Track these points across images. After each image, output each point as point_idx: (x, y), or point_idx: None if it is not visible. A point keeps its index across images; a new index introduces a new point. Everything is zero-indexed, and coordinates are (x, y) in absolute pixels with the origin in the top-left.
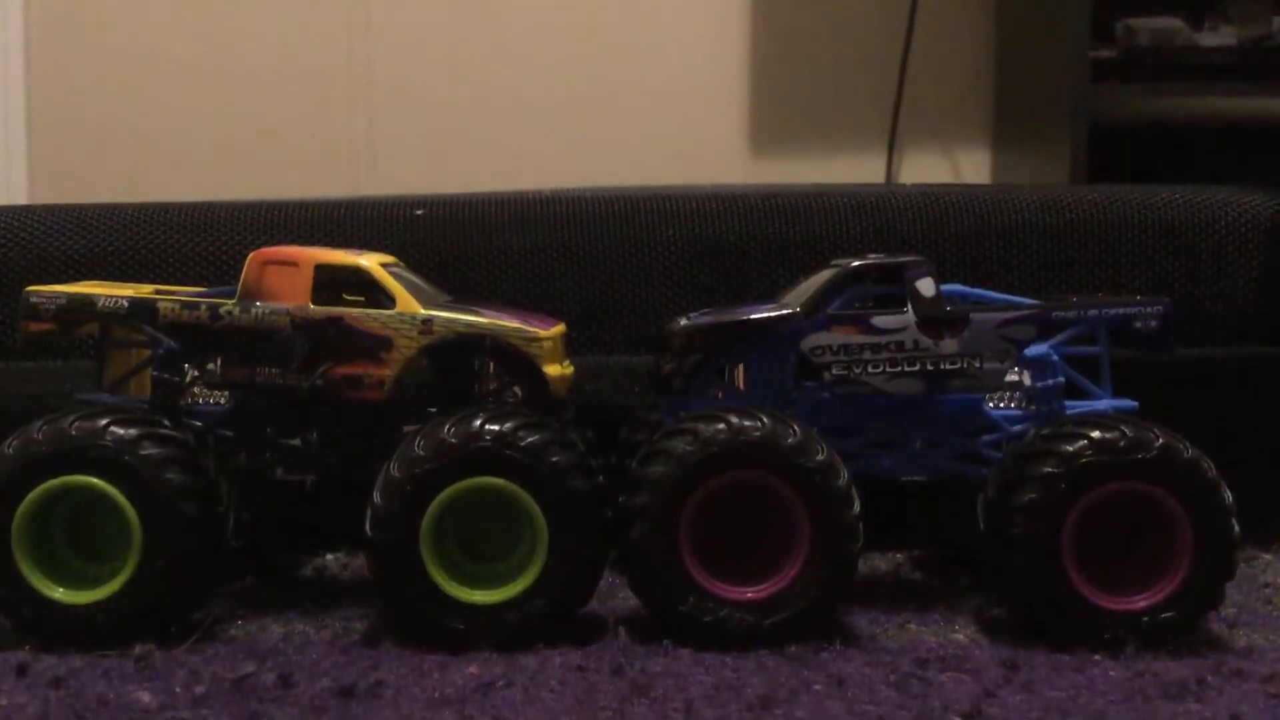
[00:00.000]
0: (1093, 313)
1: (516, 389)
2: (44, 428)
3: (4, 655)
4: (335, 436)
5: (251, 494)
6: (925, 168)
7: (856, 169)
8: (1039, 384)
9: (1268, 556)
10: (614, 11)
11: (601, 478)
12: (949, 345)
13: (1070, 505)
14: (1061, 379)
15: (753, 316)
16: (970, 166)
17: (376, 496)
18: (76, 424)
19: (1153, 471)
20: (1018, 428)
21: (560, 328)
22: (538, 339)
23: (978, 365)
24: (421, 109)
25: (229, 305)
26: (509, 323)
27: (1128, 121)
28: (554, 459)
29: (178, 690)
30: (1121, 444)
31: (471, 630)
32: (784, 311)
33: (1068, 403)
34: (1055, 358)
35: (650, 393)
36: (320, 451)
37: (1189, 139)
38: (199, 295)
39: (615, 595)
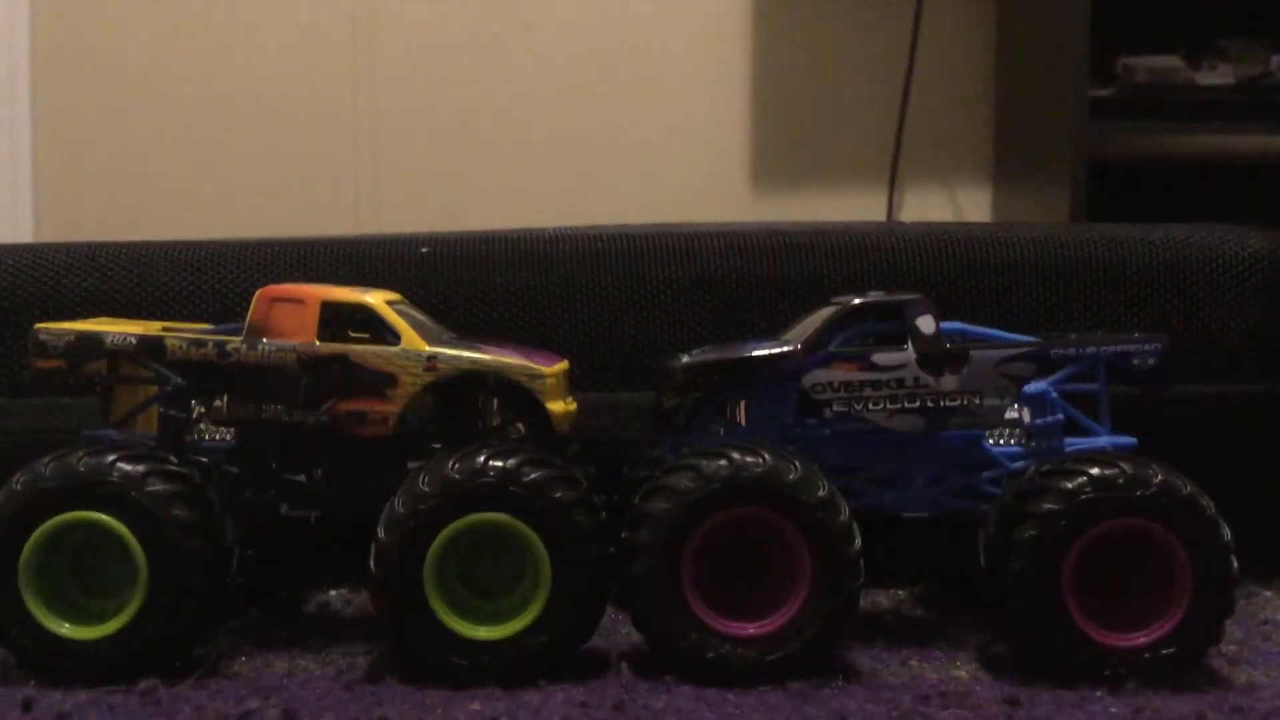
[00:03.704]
0: (1091, 350)
1: (520, 425)
2: (51, 464)
3: (10, 690)
4: (340, 473)
5: (256, 530)
6: (926, 205)
7: (857, 207)
8: (1038, 421)
9: (1268, 593)
10: (617, 51)
11: (604, 514)
12: (949, 382)
13: (1070, 542)
14: (1061, 416)
15: (754, 354)
16: (970, 204)
17: (380, 532)
18: (84, 460)
19: (1152, 508)
20: (1018, 464)
21: (563, 364)
22: (541, 375)
23: (977, 402)
24: (426, 147)
25: (236, 342)
26: (512, 359)
27: (1127, 159)
28: (557, 495)
29: None
30: (1121, 481)
31: (474, 666)
32: (785, 349)
33: (1067, 440)
34: (1054, 395)
35: (652, 429)
36: (325, 488)
37: (1187, 177)
38: (206, 332)
39: (618, 631)
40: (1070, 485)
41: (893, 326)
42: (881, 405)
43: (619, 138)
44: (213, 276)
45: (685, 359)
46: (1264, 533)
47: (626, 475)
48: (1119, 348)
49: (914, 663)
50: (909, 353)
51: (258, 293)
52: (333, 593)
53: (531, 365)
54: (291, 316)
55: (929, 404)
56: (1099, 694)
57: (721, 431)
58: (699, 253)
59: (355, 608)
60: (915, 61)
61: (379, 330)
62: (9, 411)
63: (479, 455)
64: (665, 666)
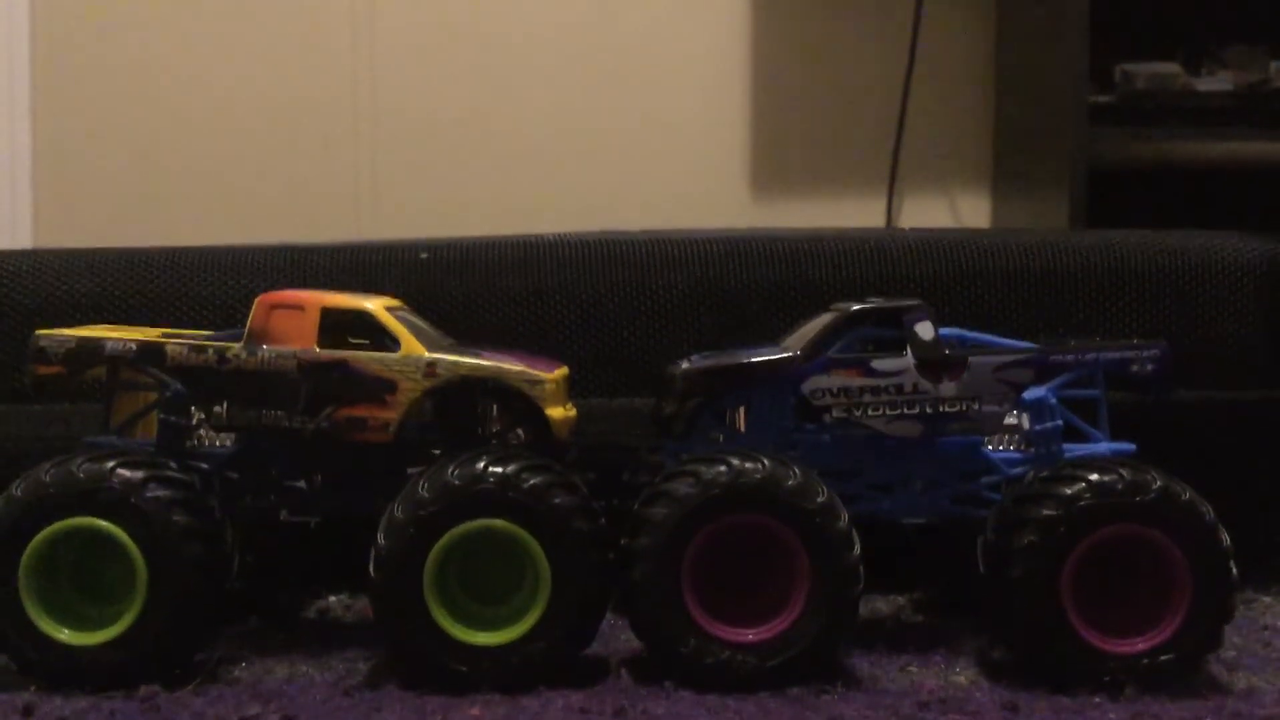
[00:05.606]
0: (1090, 356)
1: (520, 431)
2: (51, 470)
3: (10, 697)
4: (340, 479)
5: (256, 536)
6: (925, 212)
7: (857, 213)
8: (1037, 427)
9: (1267, 599)
10: (617, 55)
11: (604, 519)
12: (948, 388)
13: (1069, 548)
14: (1060, 422)
15: (753, 360)
16: (970, 211)
17: (380, 538)
18: (84, 466)
19: (1151, 514)
20: (1017, 470)
21: (563, 370)
22: (540, 382)
23: (976, 408)
24: (425, 153)
25: (235, 349)
26: (512, 365)
27: (1126, 166)
28: (556, 501)
29: None
30: (1120, 487)
31: (474, 672)
32: (784, 355)
33: (1066, 446)
34: (1053, 401)
35: (652, 435)
36: (325, 493)
37: (1186, 183)
38: (206, 339)
39: (617, 637)
40: (1069, 491)
41: (892, 333)
42: (880, 411)
43: (618, 142)
44: (212, 282)
45: (685, 365)
46: (1263, 538)
47: (626, 481)
48: (1118, 354)
49: (913, 669)
50: (908, 359)
51: (257, 299)
52: (332, 598)
53: (531, 371)
54: (291, 323)
55: (928, 410)
56: (1098, 700)
57: (721, 438)
58: (699, 259)
59: (355, 614)
60: (914, 67)
61: (379, 336)
62: (9, 418)
63: (478, 461)
64: (665, 672)
